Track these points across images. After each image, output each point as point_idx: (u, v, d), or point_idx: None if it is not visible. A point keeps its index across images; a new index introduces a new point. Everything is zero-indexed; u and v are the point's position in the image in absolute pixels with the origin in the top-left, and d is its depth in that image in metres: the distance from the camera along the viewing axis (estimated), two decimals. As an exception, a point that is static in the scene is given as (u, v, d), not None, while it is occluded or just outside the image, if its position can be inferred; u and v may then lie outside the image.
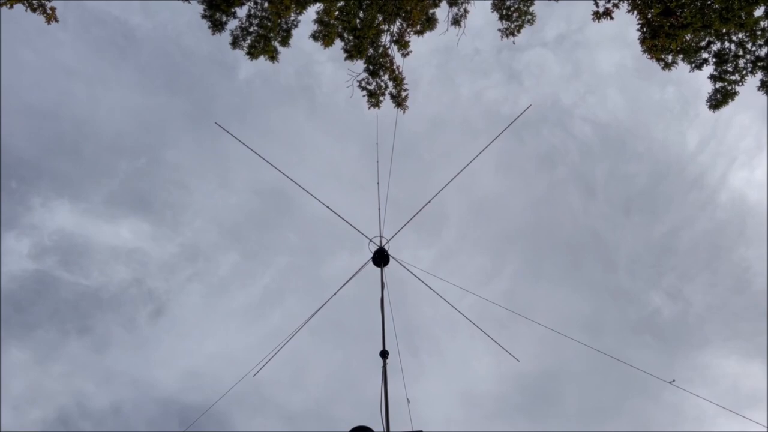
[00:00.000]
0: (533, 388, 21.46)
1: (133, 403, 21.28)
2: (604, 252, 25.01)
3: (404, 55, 11.46)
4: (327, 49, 10.75)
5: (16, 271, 21.89)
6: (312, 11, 10.71)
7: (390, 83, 11.57)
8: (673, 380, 7.42)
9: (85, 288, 22.65)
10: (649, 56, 9.96)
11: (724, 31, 9.59)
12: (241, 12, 10.61)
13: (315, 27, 10.75)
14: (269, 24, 10.54)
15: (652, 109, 25.22)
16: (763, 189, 21.93)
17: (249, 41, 10.73)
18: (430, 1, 11.17)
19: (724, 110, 10.41)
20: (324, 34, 10.68)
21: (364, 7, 10.62)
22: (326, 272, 22.01)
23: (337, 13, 10.57)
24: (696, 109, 23.76)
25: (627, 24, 9.95)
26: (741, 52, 9.92)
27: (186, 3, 10.01)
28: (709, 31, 9.52)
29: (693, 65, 10.21)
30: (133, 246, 23.81)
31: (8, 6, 8.87)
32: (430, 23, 11.42)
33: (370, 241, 9.28)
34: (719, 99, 10.30)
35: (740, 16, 9.07)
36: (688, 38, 9.68)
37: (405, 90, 11.59)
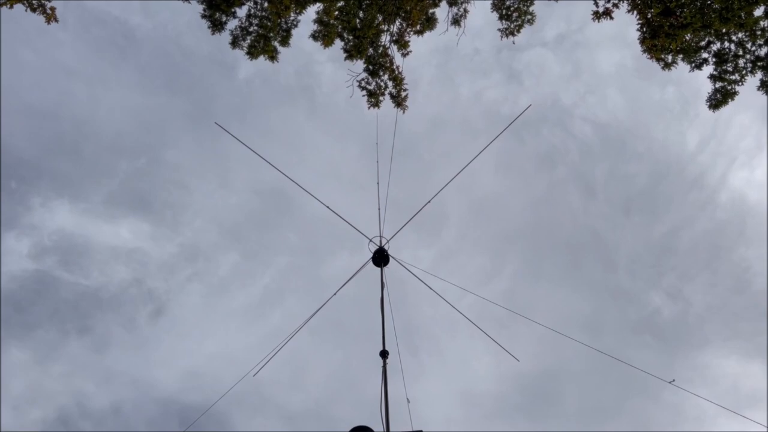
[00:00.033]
0: (533, 388, 21.49)
1: (133, 403, 21.32)
2: (604, 252, 25.04)
3: (404, 55, 11.47)
4: (327, 49, 10.77)
5: (16, 271, 21.92)
6: (312, 11, 10.72)
7: (390, 83, 11.57)
8: (673, 380, 7.43)
9: (85, 288, 22.68)
10: (649, 56, 9.96)
11: (723, 30, 9.59)
12: (241, 12, 10.62)
13: (315, 27, 10.76)
14: (269, 24, 10.54)
15: (652, 109, 25.25)
16: (763, 189, 21.95)
17: (249, 41, 10.73)
18: (430, 1, 11.17)
19: (724, 110, 10.43)
20: (324, 34, 10.68)
21: (363, 7, 10.62)
22: (326, 272, 22.04)
23: (336, 12, 10.57)
24: (696, 109, 23.81)
25: (627, 24, 9.97)
26: (741, 52, 9.92)
27: (186, 3, 10.02)
28: (708, 30, 9.52)
29: (693, 65, 10.21)
30: (133, 246, 23.84)
31: (8, 6, 8.87)
32: (429, 23, 11.42)
33: (370, 241, 9.28)
34: (719, 99, 10.30)
35: (740, 16, 9.07)
36: (687, 38, 9.68)
37: (405, 90, 11.60)
